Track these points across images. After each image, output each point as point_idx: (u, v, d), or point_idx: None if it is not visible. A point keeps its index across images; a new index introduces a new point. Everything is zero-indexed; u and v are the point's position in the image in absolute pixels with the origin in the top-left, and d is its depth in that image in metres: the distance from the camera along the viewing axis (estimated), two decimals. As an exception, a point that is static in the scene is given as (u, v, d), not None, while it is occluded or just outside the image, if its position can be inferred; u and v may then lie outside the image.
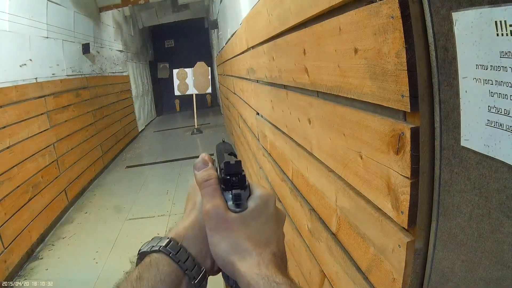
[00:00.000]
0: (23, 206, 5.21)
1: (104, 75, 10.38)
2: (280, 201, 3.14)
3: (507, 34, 0.73)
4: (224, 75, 10.01)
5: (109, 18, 11.62)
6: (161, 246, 0.75)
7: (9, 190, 4.94)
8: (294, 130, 2.47)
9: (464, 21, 0.84)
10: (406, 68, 1.04)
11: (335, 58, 1.58)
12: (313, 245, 2.27)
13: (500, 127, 0.78)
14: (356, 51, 1.37)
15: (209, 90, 13.12)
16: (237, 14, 5.50)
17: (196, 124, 13.08)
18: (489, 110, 0.81)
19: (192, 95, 12.98)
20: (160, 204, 6.56)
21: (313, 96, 2.00)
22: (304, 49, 2.02)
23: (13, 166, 5.13)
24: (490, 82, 0.79)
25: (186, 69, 12.86)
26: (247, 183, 0.81)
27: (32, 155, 5.71)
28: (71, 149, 7.28)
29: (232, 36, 6.53)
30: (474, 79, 0.84)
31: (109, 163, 9.79)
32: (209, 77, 12.90)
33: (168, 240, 0.76)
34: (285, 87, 2.63)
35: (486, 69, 0.80)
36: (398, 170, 1.15)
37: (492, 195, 0.85)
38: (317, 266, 2.20)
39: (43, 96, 6.33)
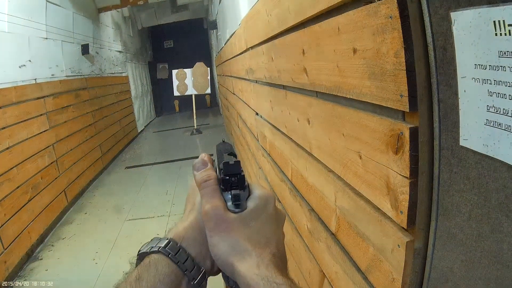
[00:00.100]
0: (22, 207, 5.21)
1: (103, 76, 10.38)
2: (280, 201, 3.14)
3: (505, 34, 0.73)
4: (223, 75, 10.01)
5: (108, 18, 11.62)
6: (160, 247, 0.75)
7: (8, 191, 4.94)
8: (293, 130, 2.47)
9: (463, 21, 0.84)
10: (405, 68, 1.04)
11: (334, 58, 1.59)
12: (313, 245, 2.27)
13: (499, 127, 0.79)
14: (355, 51, 1.37)
15: (208, 91, 13.13)
16: (236, 14, 5.51)
17: (195, 125, 13.08)
18: (488, 110, 0.81)
19: (191, 95, 12.99)
20: (160, 205, 6.57)
21: (312, 96, 2.00)
22: (303, 49, 2.02)
23: (13, 167, 5.13)
24: (489, 81, 0.79)
25: (185, 70, 12.86)
26: (246, 183, 0.81)
27: (32, 156, 5.71)
28: (71, 150, 7.27)
29: (231, 36, 6.54)
30: (473, 79, 0.84)
31: (108, 163, 9.79)
32: (208, 77, 12.91)
33: (167, 241, 0.76)
34: (284, 87, 2.63)
35: (485, 68, 0.80)
36: (397, 170, 1.15)
37: (491, 195, 0.85)
38: (317, 266, 2.20)
39: (42, 97, 6.33)
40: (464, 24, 0.84)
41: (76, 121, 7.72)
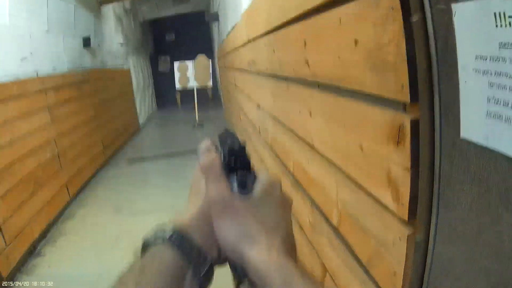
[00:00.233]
0: (25, 202, 5.20)
1: (105, 69, 10.38)
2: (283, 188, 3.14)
3: (506, 26, 0.73)
4: (225, 68, 10.01)
5: (109, 11, 11.59)
6: (165, 237, 0.74)
7: (10, 185, 4.92)
8: (295, 123, 2.47)
9: (464, 13, 0.84)
10: (406, 59, 1.04)
11: (336, 49, 1.59)
12: (314, 239, 2.27)
13: (500, 119, 0.78)
14: (356, 42, 1.37)
15: (210, 83, 13.12)
16: (238, 6, 5.50)
17: (197, 118, 13.06)
18: (489, 101, 0.81)
19: (193, 88, 12.98)
20: (163, 199, 6.55)
21: (314, 88, 2.00)
22: (305, 41, 2.02)
23: (14, 161, 5.12)
24: (490, 73, 0.79)
25: (187, 62, 12.86)
26: (252, 168, 0.81)
27: (33, 149, 5.69)
28: (73, 143, 7.26)
29: (232, 28, 6.54)
30: (474, 70, 0.83)
31: (110, 157, 9.77)
32: (210, 70, 12.90)
33: (172, 230, 0.75)
34: (286, 79, 2.63)
35: (486, 60, 0.80)
36: (398, 162, 1.15)
37: (492, 187, 0.84)
38: (318, 259, 2.20)
39: (44, 90, 6.31)
40: (465, 15, 0.83)
41: (77, 114, 7.71)
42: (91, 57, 9.19)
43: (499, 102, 0.78)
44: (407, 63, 1.03)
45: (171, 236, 0.74)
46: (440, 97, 0.97)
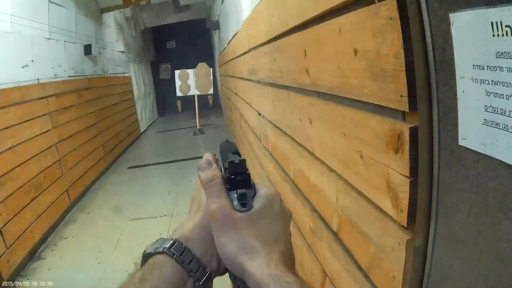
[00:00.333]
0: (25, 206, 5.21)
1: (106, 76, 10.36)
2: (282, 201, 3.14)
3: (502, 35, 0.75)
4: (225, 75, 10.00)
5: (110, 19, 11.59)
6: (165, 248, 0.75)
7: (11, 191, 4.94)
8: (296, 130, 2.48)
9: (461, 22, 0.85)
10: (404, 68, 1.05)
11: (336, 58, 1.60)
12: (315, 244, 2.28)
13: (497, 126, 0.80)
14: (356, 52, 1.38)
15: (211, 91, 13.10)
16: (239, 15, 5.51)
17: (198, 125, 13.04)
18: (486, 110, 0.82)
19: (194, 95, 12.96)
20: (163, 205, 6.54)
21: (314, 96, 2.01)
22: (305, 50, 2.04)
23: (16, 167, 5.13)
24: (487, 82, 0.81)
25: (188, 70, 12.84)
26: (252, 182, 0.81)
27: (35, 155, 5.70)
28: (74, 149, 7.26)
29: (233, 37, 6.54)
30: (471, 79, 0.85)
31: (111, 163, 9.78)
32: (211, 78, 12.87)
33: (172, 241, 0.76)
34: (286, 87, 2.64)
35: (483, 69, 0.81)
36: (397, 169, 1.16)
37: (490, 193, 0.86)
38: (318, 265, 2.21)
39: (45, 97, 6.32)
40: (463, 25, 0.85)
41: (78, 121, 7.71)
42: (92, 65, 9.19)
43: (496, 110, 0.79)
44: (406, 72, 1.05)
45: (171, 247, 0.75)
46: (438, 105, 0.98)
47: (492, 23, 0.77)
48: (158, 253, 0.76)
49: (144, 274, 0.72)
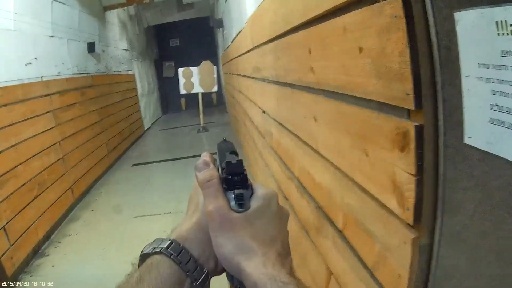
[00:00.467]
0: (29, 204, 5.22)
1: (109, 74, 10.37)
2: (287, 199, 3.15)
3: (507, 34, 0.75)
4: (229, 73, 10.00)
5: (114, 17, 11.58)
6: (162, 248, 0.76)
7: (15, 188, 4.95)
8: (300, 128, 2.49)
9: (466, 21, 0.85)
10: (410, 67, 1.05)
11: (340, 57, 1.60)
12: (319, 243, 2.28)
13: (502, 125, 0.80)
14: (360, 50, 1.38)
15: (215, 89, 13.06)
16: (242, 13, 5.51)
17: (202, 123, 13.03)
18: (491, 108, 0.82)
19: (197, 93, 12.95)
20: (166, 202, 6.54)
21: (319, 94, 2.01)
22: (309, 48, 2.04)
23: (19, 164, 5.13)
24: (492, 80, 0.81)
25: (191, 68, 12.82)
26: (249, 182, 0.81)
27: (38, 153, 5.71)
28: (77, 147, 7.27)
29: (237, 35, 6.54)
30: (477, 78, 0.85)
31: (115, 161, 9.79)
32: (215, 75, 12.84)
33: (169, 241, 0.77)
34: (290, 85, 2.64)
35: (488, 68, 0.81)
36: (403, 167, 1.16)
37: (495, 192, 0.86)
38: (323, 263, 2.21)
39: (48, 94, 6.32)
40: (468, 24, 0.85)
41: (82, 118, 7.72)
42: (96, 62, 9.19)
43: (501, 109, 0.79)
44: (411, 71, 1.05)
45: (168, 247, 0.76)
46: (444, 104, 0.98)
47: (497, 22, 0.77)
48: (155, 253, 0.76)
49: (142, 275, 0.73)
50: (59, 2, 7.07)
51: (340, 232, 1.88)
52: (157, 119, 17.23)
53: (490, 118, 0.83)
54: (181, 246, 0.77)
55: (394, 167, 1.22)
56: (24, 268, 4.84)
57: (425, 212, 1.12)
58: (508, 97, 0.77)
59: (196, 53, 16.40)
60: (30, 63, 5.81)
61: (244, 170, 0.81)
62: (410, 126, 1.10)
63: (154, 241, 0.80)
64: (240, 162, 0.80)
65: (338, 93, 1.69)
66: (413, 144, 1.09)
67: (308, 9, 1.97)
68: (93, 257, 5.04)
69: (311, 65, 2.04)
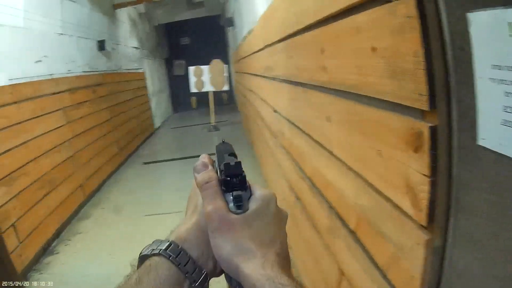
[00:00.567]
0: (39, 202, 5.25)
1: (120, 72, 10.42)
2: (299, 199, 3.15)
3: (520, 36, 0.74)
4: (240, 72, 10.01)
5: (124, 15, 11.61)
6: (161, 249, 0.76)
7: (24, 185, 4.97)
8: (312, 128, 2.48)
9: (479, 22, 0.85)
10: (424, 67, 1.05)
11: (353, 56, 1.60)
12: (331, 243, 2.28)
13: (515, 127, 0.80)
14: (374, 50, 1.38)
15: (226, 88, 13.03)
16: (253, 11, 5.52)
17: (213, 121, 13.07)
18: (505, 110, 0.82)
19: (208, 92, 12.95)
20: (177, 201, 6.36)
21: (332, 94, 2.01)
22: (322, 48, 2.04)
23: (29, 162, 5.16)
24: (505, 82, 0.80)
25: (202, 66, 12.81)
26: (247, 184, 0.82)
27: (48, 151, 5.74)
28: (87, 145, 7.30)
29: (248, 34, 6.54)
30: (490, 79, 0.85)
31: (125, 159, 9.83)
32: (226, 74, 12.82)
33: (168, 243, 0.77)
34: (302, 85, 2.64)
35: (501, 69, 0.81)
36: (417, 168, 1.16)
37: (508, 194, 0.86)
38: (335, 263, 2.21)
39: (58, 92, 6.35)
40: (481, 25, 0.85)
41: (92, 116, 7.76)
42: (106, 60, 9.22)
43: (515, 111, 0.79)
44: (425, 71, 1.04)
45: (167, 248, 0.76)
46: (457, 105, 0.98)
47: (509, 23, 0.76)
48: (154, 254, 0.76)
49: (141, 276, 0.73)
50: (68, 0, 7.09)
51: (352, 232, 1.88)
52: (168, 117, 17.27)
53: (503, 120, 0.83)
54: (180, 247, 0.77)
55: (407, 168, 1.22)
56: (33, 265, 4.86)
57: (438, 213, 1.12)
58: (522, 99, 0.77)
59: (206, 52, 16.37)
60: (40, 60, 5.84)
61: (243, 171, 0.81)
62: (424, 127, 1.09)
63: (153, 242, 0.81)
64: (238, 163, 0.81)
65: (351, 92, 1.69)
66: (427, 145, 1.09)
67: (321, 8, 1.97)
68: (103, 255, 5.05)
69: (324, 64, 2.04)
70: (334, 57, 1.89)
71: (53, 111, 6.08)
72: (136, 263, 0.80)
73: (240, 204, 0.77)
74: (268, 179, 5.74)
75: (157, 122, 14.64)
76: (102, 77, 8.59)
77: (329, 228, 2.30)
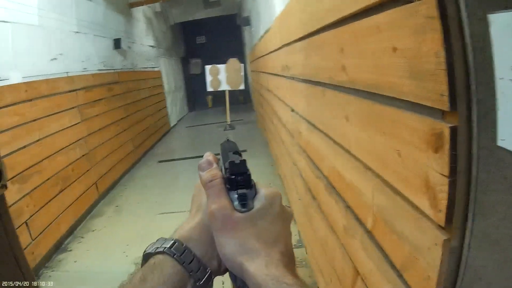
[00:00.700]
0: (52, 199, 5.29)
1: (135, 70, 10.47)
2: (315, 198, 3.15)
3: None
4: (257, 71, 10.00)
5: (139, 14, 11.65)
6: (165, 248, 0.76)
7: (38, 183, 5.01)
8: (331, 128, 2.48)
9: (500, 23, 0.85)
10: (445, 68, 1.05)
11: (374, 56, 1.60)
12: (347, 242, 2.28)
13: (536, 128, 0.80)
14: (394, 50, 1.38)
15: (242, 87, 13.01)
16: (270, 11, 5.52)
17: (228, 120, 13.11)
18: (525, 111, 0.82)
19: (224, 91, 12.97)
20: (190, 198, 6.42)
21: (351, 94, 2.01)
22: (342, 47, 2.04)
23: (43, 159, 5.20)
24: (525, 84, 0.80)
25: (218, 65, 12.81)
26: (252, 182, 0.82)
27: (63, 148, 5.79)
28: (102, 143, 7.35)
29: (265, 33, 6.55)
30: (510, 80, 0.85)
31: (140, 157, 9.89)
32: (242, 73, 12.83)
33: (173, 241, 0.78)
34: (321, 84, 2.64)
35: (521, 71, 0.81)
36: (436, 168, 1.16)
37: (527, 195, 0.86)
38: (350, 263, 2.21)
39: (74, 90, 6.40)
40: (501, 26, 0.85)
41: (108, 114, 7.81)
42: (122, 59, 9.27)
43: (535, 113, 0.79)
44: (446, 72, 1.04)
45: (171, 247, 0.77)
46: (477, 105, 0.98)
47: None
48: (158, 253, 0.77)
49: (145, 274, 0.73)
50: (83, -2, 7.14)
51: (369, 232, 1.88)
52: (184, 116, 17.32)
53: (524, 121, 0.83)
54: (184, 246, 0.77)
55: (427, 168, 1.22)
56: (45, 263, 4.90)
57: (457, 214, 1.11)
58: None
59: (222, 51, 16.43)
60: (55, 58, 5.88)
61: (248, 170, 0.81)
62: (444, 127, 1.09)
63: (157, 240, 0.81)
64: (243, 162, 0.81)
65: (371, 92, 1.69)
66: (447, 145, 1.09)
67: (340, 7, 1.97)
68: (116, 253, 5.08)
69: (343, 64, 2.04)
70: (354, 56, 1.88)
71: (68, 109, 6.13)
72: (139, 261, 0.80)
73: (245, 203, 0.77)
74: (284, 178, 5.74)
75: (173, 121, 14.69)
76: (117, 75, 8.65)
77: (345, 228, 2.30)
